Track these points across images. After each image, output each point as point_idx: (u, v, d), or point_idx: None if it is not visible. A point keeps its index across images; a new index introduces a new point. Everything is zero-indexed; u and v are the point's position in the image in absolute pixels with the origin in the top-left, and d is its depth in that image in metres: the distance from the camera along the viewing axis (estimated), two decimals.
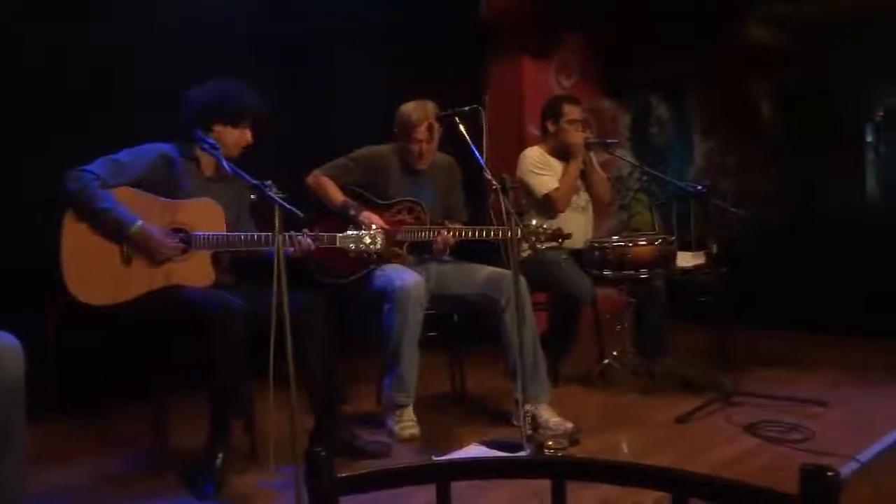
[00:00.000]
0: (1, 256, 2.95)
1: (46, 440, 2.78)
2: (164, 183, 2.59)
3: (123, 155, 2.57)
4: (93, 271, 2.45)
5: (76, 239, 2.46)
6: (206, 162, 2.71)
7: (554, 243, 2.90)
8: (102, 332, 2.55)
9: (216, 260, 2.63)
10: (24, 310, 2.26)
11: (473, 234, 3.00)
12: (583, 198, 3.71)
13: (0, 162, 3.10)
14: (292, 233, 2.58)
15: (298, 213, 2.19)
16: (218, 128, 2.65)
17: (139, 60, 3.34)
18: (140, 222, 2.47)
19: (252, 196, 2.77)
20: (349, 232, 2.65)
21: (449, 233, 2.98)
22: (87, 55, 3.24)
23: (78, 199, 2.44)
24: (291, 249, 2.57)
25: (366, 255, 2.68)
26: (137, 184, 2.55)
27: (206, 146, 2.57)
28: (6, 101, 3.08)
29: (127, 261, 2.50)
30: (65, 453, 2.80)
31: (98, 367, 2.96)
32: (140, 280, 2.50)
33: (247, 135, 2.71)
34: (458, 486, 0.92)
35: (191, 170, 2.68)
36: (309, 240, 2.59)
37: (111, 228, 2.46)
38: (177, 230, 2.56)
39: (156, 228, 2.50)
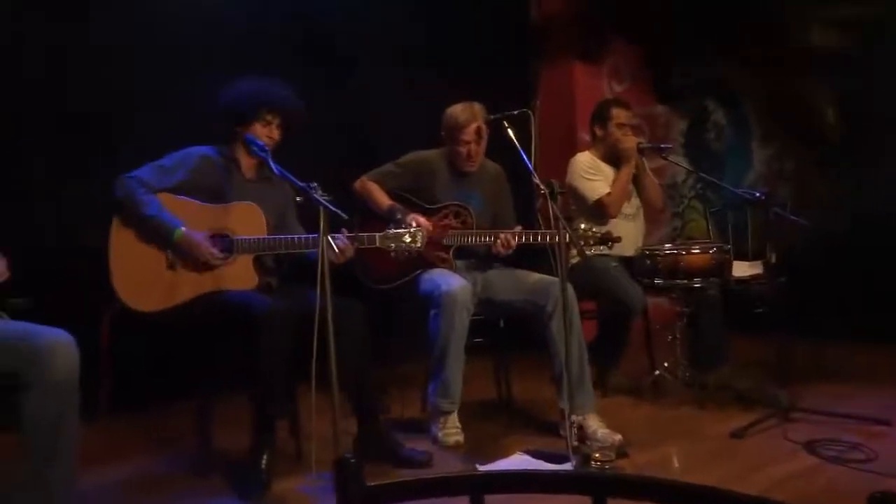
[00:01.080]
0: (59, 261, 3.03)
1: (98, 439, 2.82)
2: (206, 186, 2.62)
3: (167, 160, 2.62)
4: (141, 278, 2.51)
5: (123, 245, 2.51)
6: (247, 163, 2.74)
7: (603, 248, 2.85)
8: (152, 335, 2.60)
9: (259, 263, 2.65)
10: (81, 315, 2.32)
11: (521, 238, 2.96)
12: (633, 204, 3.65)
13: (69, 166, 3.19)
14: (331, 235, 2.56)
15: (342, 214, 2.20)
16: (255, 127, 2.67)
17: (182, 62, 3.39)
18: (183, 228, 2.50)
19: (298, 198, 2.78)
20: (389, 231, 2.64)
21: (506, 237, 2.94)
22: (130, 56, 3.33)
23: (125, 206, 2.50)
24: (333, 254, 2.56)
25: (407, 254, 2.65)
26: (181, 188, 2.58)
27: (254, 149, 2.59)
28: (75, 101, 3.17)
29: (172, 266, 2.54)
30: (115, 452, 2.84)
31: (148, 369, 3.01)
32: (186, 285, 2.54)
33: (274, 132, 2.70)
34: (497, 500, 0.87)
35: (232, 172, 2.70)
36: (346, 240, 2.58)
37: (156, 234, 2.51)
38: (219, 235, 2.58)
39: (199, 234, 2.53)
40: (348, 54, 4.01)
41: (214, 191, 2.62)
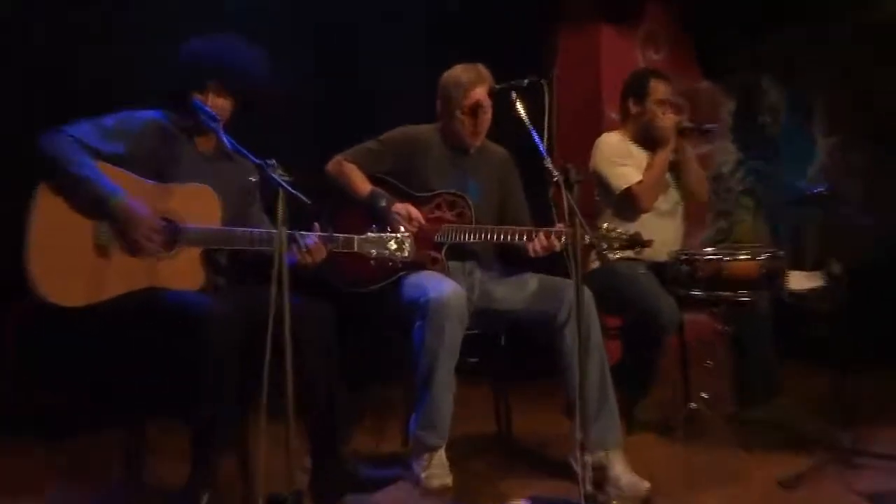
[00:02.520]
0: None
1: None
2: (152, 160, 2.60)
3: (108, 120, 2.60)
4: (64, 263, 2.45)
5: (49, 219, 2.46)
6: (203, 136, 2.72)
7: (629, 252, 2.83)
8: (69, 340, 2.58)
9: (208, 258, 2.63)
10: None
11: (524, 237, 2.95)
12: (671, 199, 3.65)
13: None
14: (299, 232, 2.55)
15: (304, 198, 2.20)
16: (209, 95, 2.65)
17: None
18: (123, 193, 2.47)
19: (252, 178, 2.75)
20: (370, 234, 2.65)
21: (507, 235, 2.94)
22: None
23: (54, 165, 2.46)
24: (297, 256, 2.56)
25: (391, 264, 2.67)
26: (119, 159, 2.55)
27: (203, 116, 2.57)
28: None
29: (102, 251, 2.49)
30: (22, 486, 2.81)
31: (64, 382, 2.97)
32: (117, 277, 2.50)
33: (226, 106, 2.68)
34: None
35: (183, 144, 2.69)
36: (316, 239, 2.57)
37: (91, 202, 2.46)
38: (164, 220, 2.55)
39: (143, 206, 2.49)
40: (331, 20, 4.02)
41: (160, 166, 2.60)
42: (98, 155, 2.52)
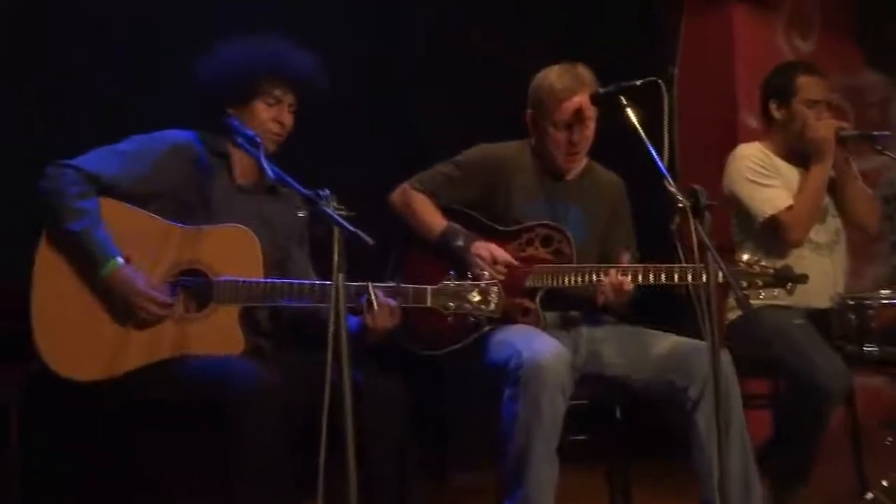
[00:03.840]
0: None
1: None
2: (176, 193, 2.66)
3: (126, 144, 2.68)
4: (77, 330, 2.53)
5: (53, 280, 2.54)
6: (243, 163, 2.77)
7: (779, 292, 2.80)
8: (82, 418, 2.64)
9: (248, 318, 2.66)
10: None
11: (642, 277, 2.93)
12: (830, 227, 3.60)
13: None
14: (373, 285, 2.57)
15: (366, 238, 2.19)
16: (256, 108, 2.72)
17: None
18: (119, 260, 2.52)
19: (300, 213, 2.78)
20: (446, 283, 2.64)
21: (618, 273, 2.92)
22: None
23: (51, 214, 2.53)
24: (368, 316, 2.57)
25: (472, 319, 2.66)
26: (138, 193, 2.62)
27: (240, 139, 2.61)
28: None
29: (119, 318, 2.55)
30: None
31: (77, 469, 3.04)
32: (139, 346, 2.55)
33: (285, 115, 2.75)
34: None
35: (217, 174, 2.74)
36: (391, 297, 2.59)
37: (86, 263, 2.53)
38: (190, 273, 2.61)
39: (140, 274, 2.54)
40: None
41: (188, 201, 2.67)
42: (109, 190, 2.58)
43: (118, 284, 2.52)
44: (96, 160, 2.60)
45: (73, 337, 2.53)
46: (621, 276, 2.90)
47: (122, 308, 2.54)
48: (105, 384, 2.52)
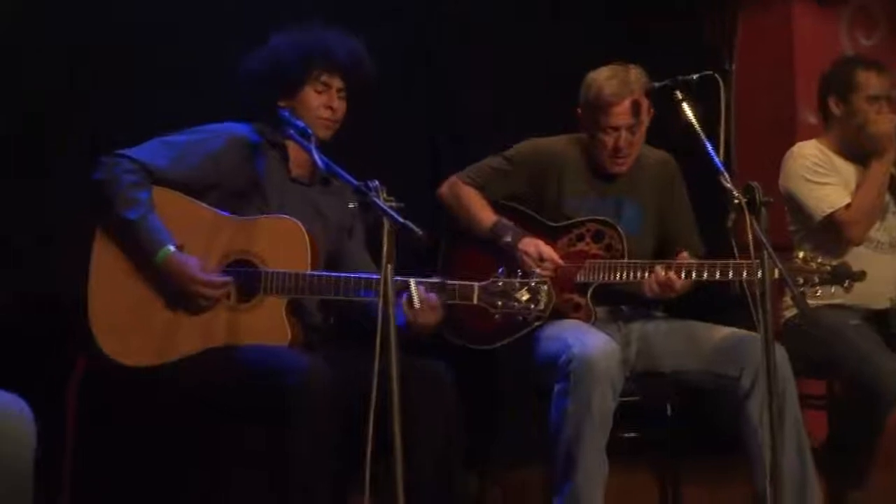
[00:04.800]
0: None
1: None
2: (231, 185, 2.69)
3: (182, 136, 2.71)
4: (131, 317, 2.58)
5: (108, 267, 2.60)
6: (297, 155, 2.79)
7: (837, 289, 2.77)
8: (136, 404, 2.67)
9: (296, 310, 2.67)
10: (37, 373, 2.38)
11: (700, 274, 2.91)
12: (891, 225, 3.55)
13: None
14: (416, 280, 2.55)
15: (415, 229, 2.18)
16: (307, 95, 2.73)
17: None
18: (170, 248, 2.55)
19: (350, 205, 2.79)
20: (494, 281, 2.62)
21: (669, 271, 2.90)
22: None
23: (106, 202, 2.58)
24: (409, 311, 2.54)
25: (521, 318, 2.66)
26: (193, 182, 2.65)
27: (292, 130, 2.62)
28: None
29: (173, 305, 2.60)
30: None
31: (128, 453, 3.07)
32: (192, 333, 2.59)
33: (335, 101, 2.75)
34: None
35: (274, 166, 2.76)
36: (432, 293, 2.56)
37: (140, 250, 2.57)
38: (240, 263, 2.63)
39: (193, 259, 2.57)
40: None
41: (243, 193, 2.69)
42: (163, 181, 2.62)
43: (172, 270, 2.55)
44: (150, 151, 2.64)
45: (128, 323, 2.58)
46: (671, 274, 2.88)
47: (177, 294, 2.58)
48: (159, 370, 2.56)
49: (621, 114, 3.01)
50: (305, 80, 2.73)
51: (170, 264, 2.54)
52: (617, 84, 3.01)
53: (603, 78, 3.04)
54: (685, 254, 3.03)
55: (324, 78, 2.74)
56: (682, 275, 2.89)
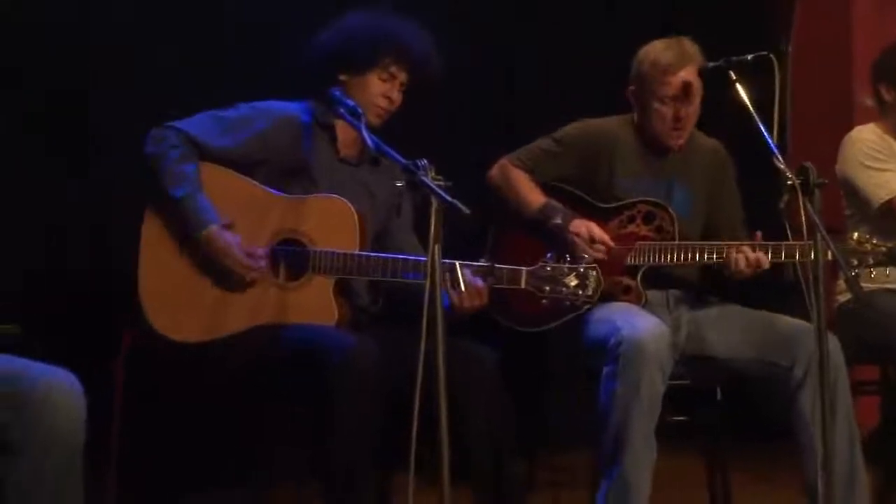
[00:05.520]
0: (55, 265, 3.23)
1: None
2: (281, 163, 2.71)
3: (233, 111, 2.74)
4: (180, 293, 2.62)
5: (158, 244, 2.64)
6: (346, 135, 2.80)
7: (892, 271, 2.82)
8: (184, 378, 2.71)
9: (343, 290, 2.68)
10: (88, 348, 2.40)
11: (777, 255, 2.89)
12: None
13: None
14: (461, 263, 2.56)
15: (463, 208, 2.17)
16: (370, 80, 2.75)
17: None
18: (214, 226, 2.58)
19: (398, 183, 2.79)
20: (543, 265, 2.61)
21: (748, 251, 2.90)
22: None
23: (154, 175, 2.62)
24: (454, 294, 2.56)
25: (568, 304, 2.65)
26: (242, 158, 2.68)
27: (342, 109, 2.61)
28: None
29: (222, 283, 2.63)
30: None
31: (175, 427, 3.11)
32: (240, 311, 2.62)
33: (395, 92, 2.77)
34: None
35: (322, 146, 2.78)
36: (478, 277, 2.57)
37: (187, 228, 2.60)
38: (288, 242, 2.65)
39: (235, 236, 2.59)
40: None
41: (292, 171, 2.72)
42: (209, 155, 2.65)
43: (213, 247, 2.58)
44: (199, 124, 2.67)
45: (178, 299, 2.62)
46: (760, 254, 2.86)
47: (223, 272, 2.61)
48: (207, 346, 2.59)
49: (680, 81, 2.99)
50: (374, 66, 2.76)
51: (210, 241, 2.57)
52: (673, 54, 3.00)
53: (659, 49, 3.04)
54: (759, 233, 2.99)
55: (392, 69, 2.77)
56: (762, 253, 2.87)
